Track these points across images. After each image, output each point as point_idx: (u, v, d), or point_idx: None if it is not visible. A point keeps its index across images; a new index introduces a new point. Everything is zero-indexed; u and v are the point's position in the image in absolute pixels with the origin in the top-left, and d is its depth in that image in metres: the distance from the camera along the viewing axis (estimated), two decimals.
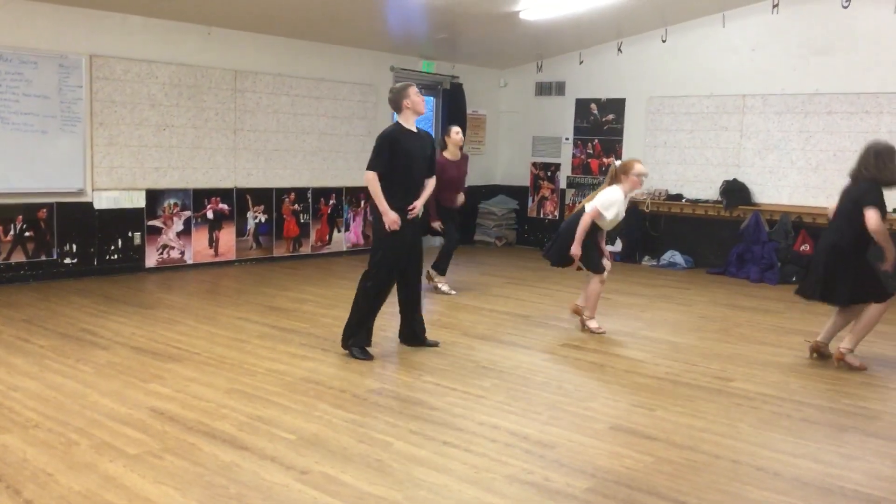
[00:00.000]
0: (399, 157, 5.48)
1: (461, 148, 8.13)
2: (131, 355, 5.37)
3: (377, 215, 5.56)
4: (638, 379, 5.28)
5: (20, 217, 7.67)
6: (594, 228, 6.45)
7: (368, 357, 5.49)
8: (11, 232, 7.63)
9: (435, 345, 5.88)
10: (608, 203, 6.34)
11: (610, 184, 6.45)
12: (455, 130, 8.04)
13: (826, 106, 9.49)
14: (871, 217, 5.46)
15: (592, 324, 6.53)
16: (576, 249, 6.33)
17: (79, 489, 3.32)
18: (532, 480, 3.56)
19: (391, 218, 5.44)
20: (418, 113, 5.69)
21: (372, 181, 5.46)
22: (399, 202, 5.52)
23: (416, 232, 5.82)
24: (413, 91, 5.65)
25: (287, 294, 7.73)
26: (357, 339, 5.56)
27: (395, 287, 5.75)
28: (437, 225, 7.88)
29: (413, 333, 5.89)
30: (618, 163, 6.63)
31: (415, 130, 5.63)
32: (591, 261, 6.49)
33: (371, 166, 5.48)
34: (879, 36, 9.11)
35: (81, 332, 5.94)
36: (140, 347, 5.58)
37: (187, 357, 5.38)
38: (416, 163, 5.61)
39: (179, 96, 8.73)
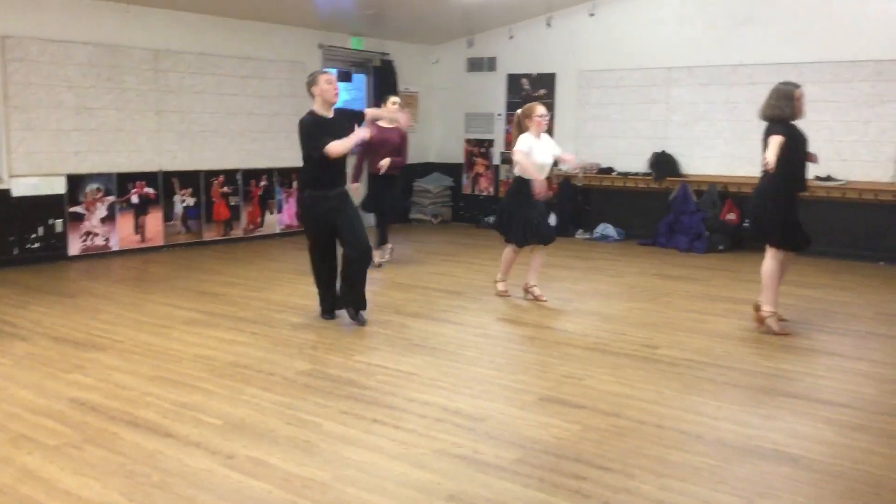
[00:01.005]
0: (314, 155, 5.61)
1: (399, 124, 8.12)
2: (52, 346, 5.21)
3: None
4: (568, 350, 5.35)
5: None
6: (526, 196, 6.49)
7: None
8: None
9: (362, 323, 5.86)
10: (518, 143, 6.51)
11: (518, 133, 6.61)
12: (392, 101, 8.02)
13: (749, 77, 9.68)
14: (770, 144, 5.55)
15: (501, 286, 6.92)
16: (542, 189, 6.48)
17: None
18: (461, 454, 3.57)
19: (357, 135, 5.75)
20: (328, 101, 5.67)
21: (330, 152, 5.54)
22: (319, 189, 5.70)
23: (333, 208, 5.75)
24: (324, 79, 5.65)
25: (216, 278, 7.59)
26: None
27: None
28: (354, 186, 7.82)
29: (332, 306, 6.07)
30: (519, 111, 6.70)
31: (329, 116, 5.70)
32: (512, 230, 6.58)
33: (321, 147, 5.51)
34: (799, 6, 9.32)
35: (0, 324, 5.73)
36: (61, 337, 5.42)
37: (110, 346, 5.24)
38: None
39: (98, 77, 8.44)
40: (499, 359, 5.12)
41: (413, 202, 12.26)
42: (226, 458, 3.49)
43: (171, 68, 9.08)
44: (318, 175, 5.72)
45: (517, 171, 6.61)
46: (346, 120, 5.86)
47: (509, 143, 11.78)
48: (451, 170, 12.47)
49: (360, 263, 5.76)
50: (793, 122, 5.75)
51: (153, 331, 5.64)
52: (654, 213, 10.31)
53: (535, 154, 6.50)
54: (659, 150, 10.40)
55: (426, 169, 12.47)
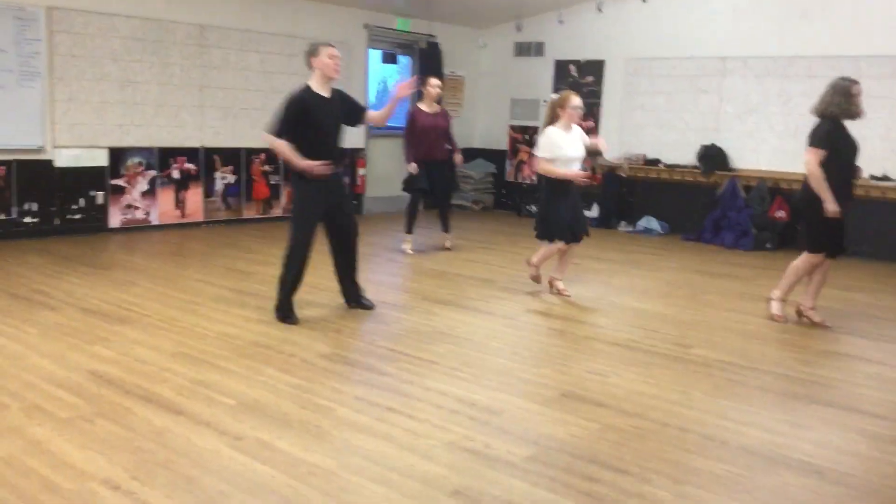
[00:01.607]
0: (307, 127, 5.19)
1: (440, 102, 8.08)
2: (80, 317, 5.25)
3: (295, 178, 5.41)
4: (596, 345, 5.20)
5: None
6: (562, 190, 6.34)
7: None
8: None
9: (370, 307, 5.76)
10: (542, 147, 6.28)
11: (548, 123, 6.36)
12: (433, 83, 7.96)
13: (806, 69, 9.33)
14: (806, 159, 5.46)
15: (533, 271, 6.64)
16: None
17: (1, 454, 3.21)
18: (472, 448, 3.48)
19: (307, 164, 5.15)
20: (328, 77, 5.28)
21: (272, 141, 5.25)
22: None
23: (334, 191, 5.48)
24: (327, 52, 5.25)
25: (251, 256, 7.60)
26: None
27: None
28: (412, 167, 7.84)
29: (348, 295, 5.83)
30: (554, 96, 6.46)
31: (326, 95, 5.31)
32: (549, 226, 6.39)
33: (271, 130, 5.21)
34: None
35: (32, 293, 5.80)
36: (90, 309, 5.45)
37: (137, 319, 5.26)
38: (328, 130, 5.34)
39: (143, 51, 8.49)
40: (523, 351, 5.00)
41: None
42: (234, 440, 3.44)
43: (215, 44, 9.09)
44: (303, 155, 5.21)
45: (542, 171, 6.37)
46: (344, 104, 5.46)
47: None
48: (494, 156, 12.31)
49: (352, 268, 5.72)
50: (843, 124, 5.50)
51: (181, 306, 5.64)
52: (701, 207, 10.04)
53: (566, 148, 6.24)
54: (708, 142, 10.11)
55: (469, 154, 12.26)
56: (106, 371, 4.22)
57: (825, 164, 5.45)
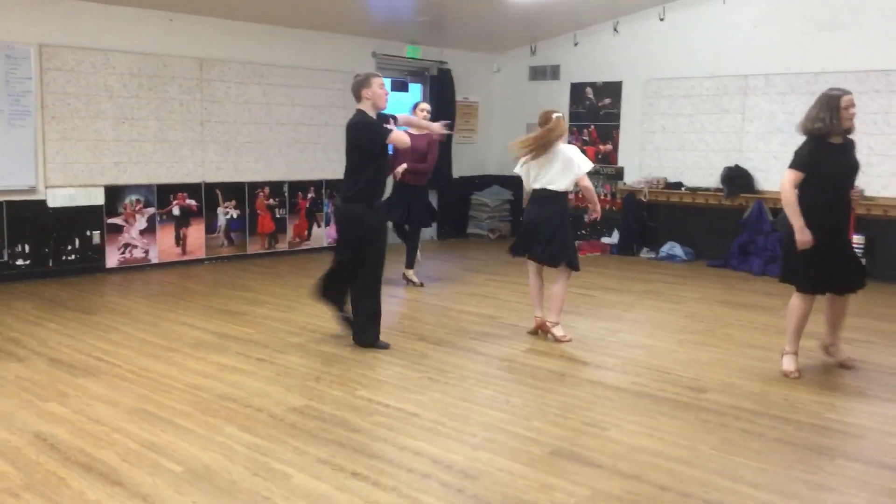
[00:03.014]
0: (381, 155, 5.51)
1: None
2: (45, 369, 4.94)
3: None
4: (599, 391, 4.75)
5: None
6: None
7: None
8: None
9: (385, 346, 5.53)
10: (584, 159, 5.87)
11: (563, 141, 5.96)
12: (421, 107, 7.60)
13: (833, 85, 8.78)
14: (781, 181, 4.94)
15: (559, 331, 5.91)
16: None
17: None
18: None
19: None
20: (378, 108, 5.42)
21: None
22: (375, 195, 5.45)
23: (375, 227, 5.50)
24: (378, 82, 5.39)
25: (246, 295, 7.27)
26: None
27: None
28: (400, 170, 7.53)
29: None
30: (559, 114, 6.00)
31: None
32: (575, 253, 5.93)
33: (385, 138, 5.32)
34: (889, 9, 8.43)
35: (4, 342, 5.52)
36: (59, 359, 5.15)
37: (105, 370, 4.93)
38: (385, 154, 5.68)
39: (140, 87, 8.28)
40: (516, 399, 4.56)
41: (470, 216, 11.78)
42: None
43: (216, 77, 8.87)
44: (370, 183, 5.38)
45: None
46: (386, 124, 5.50)
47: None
48: (510, 182, 11.89)
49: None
50: (832, 142, 4.93)
51: (156, 353, 5.32)
52: (726, 232, 9.52)
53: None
54: (732, 164, 9.61)
55: (484, 182, 11.96)
56: (52, 433, 3.88)
57: (804, 188, 4.91)
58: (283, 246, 9.67)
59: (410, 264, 7.81)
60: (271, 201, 9.52)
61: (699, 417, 4.31)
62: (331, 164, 9.99)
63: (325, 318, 6.38)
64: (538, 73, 11.53)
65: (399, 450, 3.77)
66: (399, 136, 5.36)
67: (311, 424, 4.08)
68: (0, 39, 7.32)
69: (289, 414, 4.21)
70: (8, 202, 7.52)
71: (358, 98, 5.42)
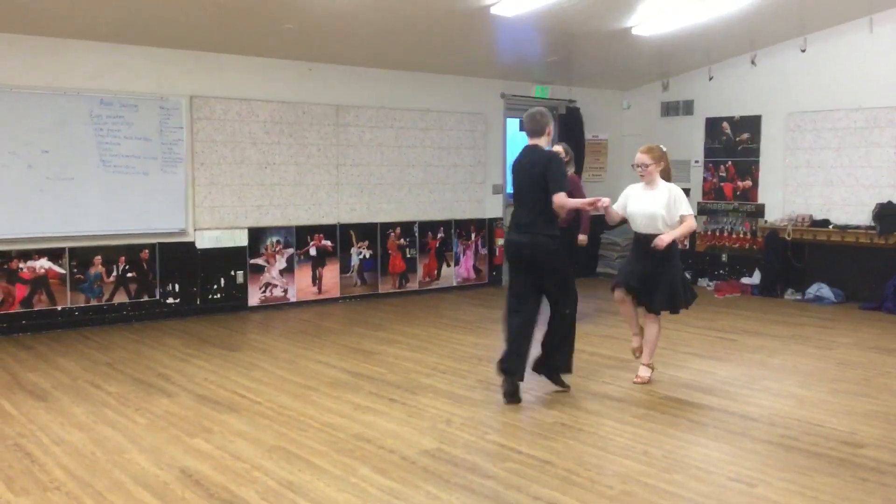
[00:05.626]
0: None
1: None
2: (192, 404, 5.16)
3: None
4: (745, 443, 4.48)
5: (122, 258, 7.80)
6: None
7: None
8: (114, 273, 7.76)
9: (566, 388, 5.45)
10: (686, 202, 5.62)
11: (662, 176, 5.64)
12: (556, 149, 7.51)
13: None
14: None
15: (646, 372, 5.77)
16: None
17: None
18: None
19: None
20: (550, 143, 5.46)
21: (564, 200, 5.14)
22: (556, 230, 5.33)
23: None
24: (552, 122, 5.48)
25: (378, 334, 7.39)
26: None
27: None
28: (582, 238, 7.64)
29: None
30: (664, 147, 5.77)
31: None
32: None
33: (564, 189, 5.16)
34: None
35: (155, 378, 5.82)
36: (205, 395, 5.37)
37: (247, 407, 5.11)
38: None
39: (280, 133, 8.68)
40: (654, 450, 4.37)
41: (600, 255, 11.57)
42: None
43: (351, 122, 9.17)
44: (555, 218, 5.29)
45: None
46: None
47: (707, 192, 10.82)
48: None
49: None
50: None
51: (295, 391, 5.46)
52: (880, 272, 8.91)
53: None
54: (884, 200, 9.01)
55: None
56: (197, 469, 4.03)
57: None
58: (413, 285, 9.80)
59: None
60: (402, 241, 9.69)
61: (856, 475, 3.99)
62: (460, 205, 10.10)
63: (456, 359, 6.40)
64: (671, 109, 11.27)
65: (532, 499, 3.68)
66: (563, 200, 5.12)
67: (443, 469, 4.05)
68: (155, 92, 7.86)
69: (421, 457, 4.21)
70: (161, 244, 8.00)
71: (539, 133, 5.30)
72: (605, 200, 5.35)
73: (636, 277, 5.61)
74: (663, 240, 5.40)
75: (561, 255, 5.30)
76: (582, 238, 7.76)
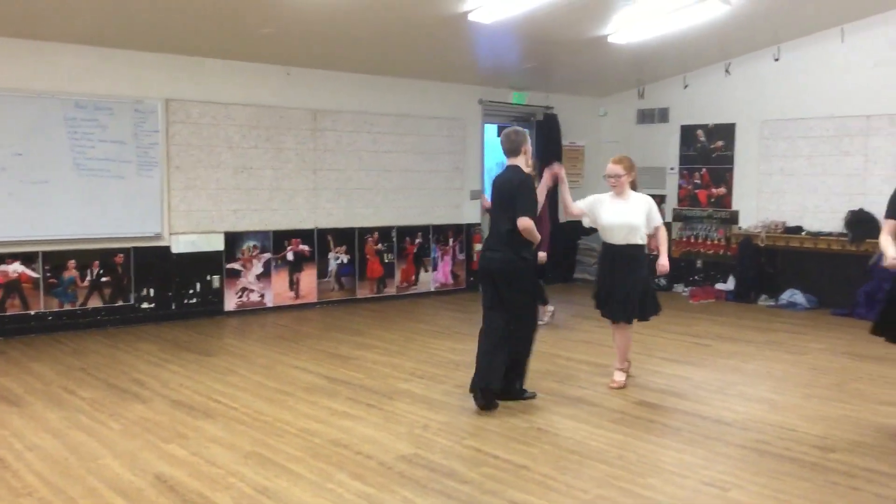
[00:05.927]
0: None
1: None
2: (166, 410, 5.13)
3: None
4: (719, 448, 4.53)
5: (97, 262, 7.73)
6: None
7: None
8: (88, 277, 7.69)
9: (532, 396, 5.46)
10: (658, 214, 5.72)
11: (630, 186, 5.70)
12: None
13: None
14: None
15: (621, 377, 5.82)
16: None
17: None
18: None
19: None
20: (528, 166, 5.31)
21: (531, 226, 5.08)
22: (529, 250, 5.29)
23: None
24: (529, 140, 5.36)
25: (355, 340, 7.38)
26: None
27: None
28: (543, 256, 7.47)
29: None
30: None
31: None
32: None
33: (532, 213, 5.10)
34: None
35: (129, 383, 5.77)
36: (180, 401, 5.34)
37: (222, 413, 5.08)
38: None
39: (258, 137, 8.65)
40: (629, 454, 4.40)
41: (577, 260, 11.63)
42: None
43: (328, 127, 9.16)
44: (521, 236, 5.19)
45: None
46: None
47: (682, 199, 10.93)
48: None
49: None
50: None
51: (271, 397, 5.44)
52: (852, 279, 9.03)
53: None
54: (856, 207, 9.15)
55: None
56: (172, 475, 4.00)
57: None
58: (391, 290, 9.80)
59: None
60: (380, 246, 9.69)
61: (828, 479, 4.04)
62: (437, 210, 10.11)
63: (433, 364, 6.41)
64: (646, 117, 11.38)
65: (506, 503, 3.69)
66: (527, 224, 5.05)
67: (420, 474, 4.06)
68: (130, 95, 7.80)
69: (397, 462, 4.21)
70: (136, 248, 7.93)
71: (515, 153, 5.23)
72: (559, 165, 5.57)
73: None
74: (665, 266, 5.58)
75: (528, 278, 5.26)
76: (542, 255, 7.64)
